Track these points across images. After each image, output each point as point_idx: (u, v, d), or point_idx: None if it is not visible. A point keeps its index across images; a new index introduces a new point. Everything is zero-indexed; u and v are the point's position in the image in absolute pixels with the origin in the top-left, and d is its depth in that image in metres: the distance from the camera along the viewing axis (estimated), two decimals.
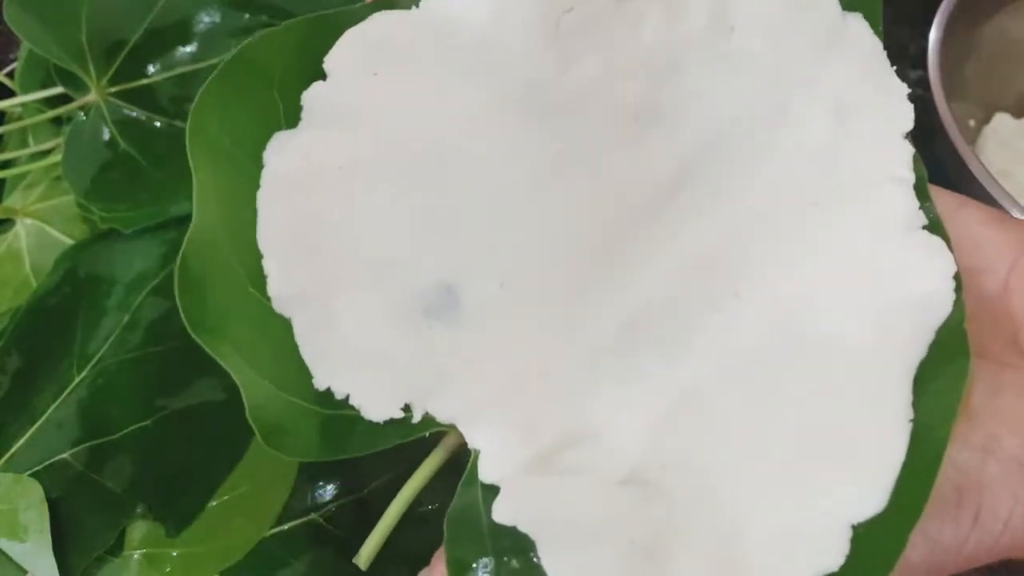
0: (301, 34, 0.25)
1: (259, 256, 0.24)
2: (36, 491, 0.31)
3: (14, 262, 0.38)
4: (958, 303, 0.22)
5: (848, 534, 0.21)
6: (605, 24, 0.25)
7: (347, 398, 0.24)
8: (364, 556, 0.26)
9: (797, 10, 0.25)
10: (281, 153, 0.25)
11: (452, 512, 0.23)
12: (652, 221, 0.24)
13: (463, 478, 0.23)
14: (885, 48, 0.25)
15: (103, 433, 0.32)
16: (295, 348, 0.24)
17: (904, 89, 0.25)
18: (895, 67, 0.25)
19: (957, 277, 0.22)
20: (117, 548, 0.31)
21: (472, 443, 0.23)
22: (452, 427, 0.24)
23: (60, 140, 0.37)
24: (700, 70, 0.25)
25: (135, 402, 0.33)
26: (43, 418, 0.33)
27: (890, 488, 0.21)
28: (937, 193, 0.24)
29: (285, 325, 0.24)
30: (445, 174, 0.25)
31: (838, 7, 0.25)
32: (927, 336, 0.22)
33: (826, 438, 0.22)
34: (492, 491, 0.22)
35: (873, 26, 0.25)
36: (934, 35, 0.44)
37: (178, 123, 0.38)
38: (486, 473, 0.23)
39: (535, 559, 0.21)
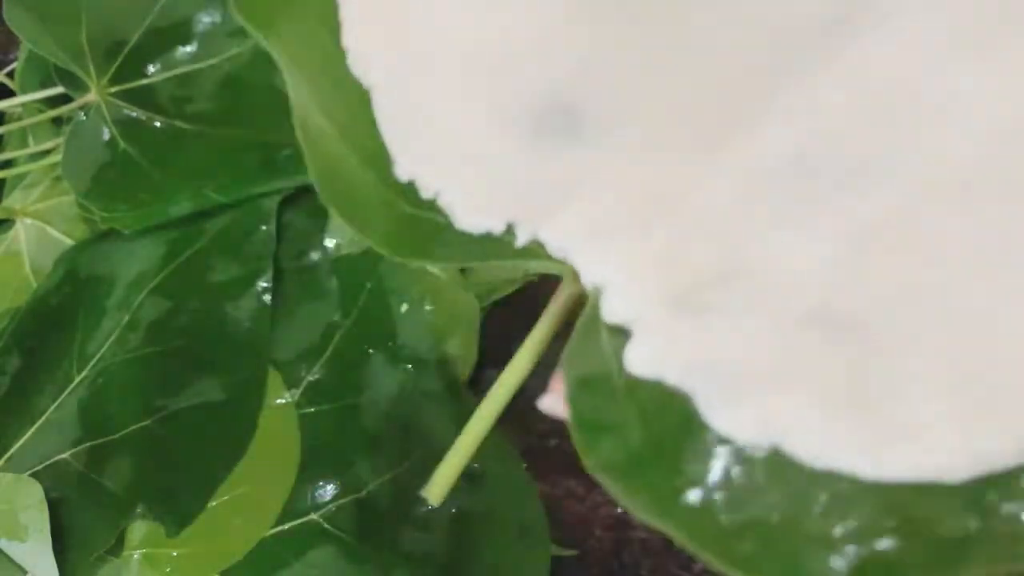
0: None
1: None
2: (36, 491, 0.31)
3: (14, 262, 0.38)
4: None
5: None
6: None
7: (436, 198, 0.20)
8: (436, 489, 0.22)
9: None
10: None
11: (571, 366, 0.19)
12: (830, 35, 0.20)
13: (579, 326, 0.19)
14: None
15: (103, 433, 0.32)
16: (374, 120, 0.20)
17: None
18: None
19: None
20: (117, 548, 0.31)
21: (592, 278, 0.19)
22: (563, 264, 0.19)
23: (60, 140, 0.37)
24: None
25: (135, 402, 0.33)
26: (43, 418, 0.33)
27: None
28: None
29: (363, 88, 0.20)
30: None
31: None
32: None
33: None
34: (622, 337, 0.18)
35: None
36: None
37: (178, 123, 0.38)
38: (612, 311, 0.18)
39: (693, 414, 0.17)
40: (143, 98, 0.38)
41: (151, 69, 0.38)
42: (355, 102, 0.20)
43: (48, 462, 0.32)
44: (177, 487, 0.32)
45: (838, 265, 0.18)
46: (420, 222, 0.20)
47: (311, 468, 0.33)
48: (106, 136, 0.37)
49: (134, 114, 0.37)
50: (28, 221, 0.38)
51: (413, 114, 0.20)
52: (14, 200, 0.39)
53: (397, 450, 0.34)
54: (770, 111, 0.20)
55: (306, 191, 0.38)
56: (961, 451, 0.16)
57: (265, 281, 0.35)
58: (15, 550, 0.30)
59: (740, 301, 0.18)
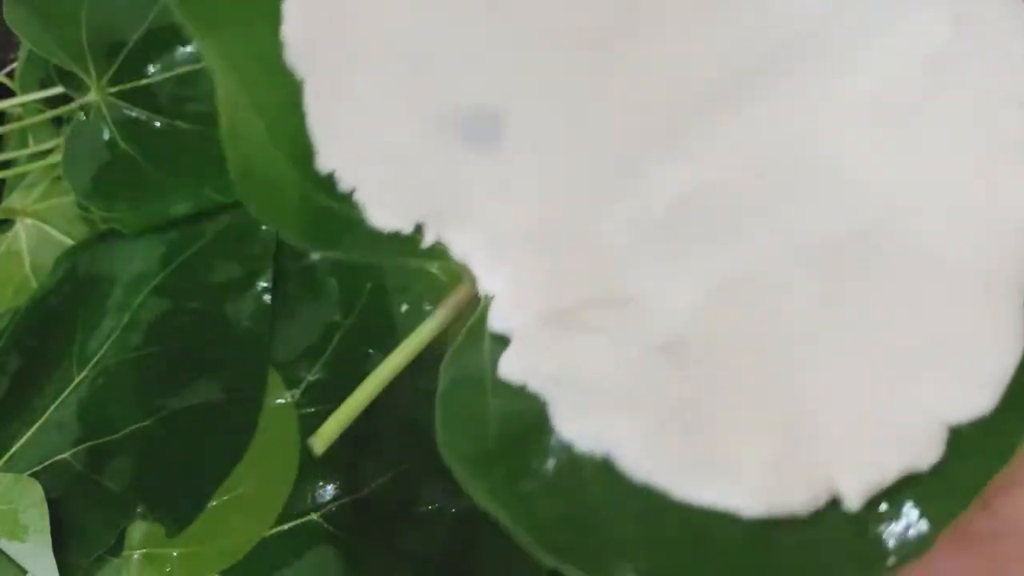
0: None
1: None
2: (36, 491, 0.31)
3: (14, 262, 0.38)
4: None
5: (943, 434, 0.19)
6: None
7: (352, 192, 0.20)
8: (324, 436, 0.24)
9: None
10: None
11: (451, 365, 0.21)
12: (727, 103, 0.22)
13: (466, 328, 0.20)
14: None
15: (103, 433, 0.32)
16: (302, 113, 0.21)
17: None
18: None
19: None
20: (117, 548, 0.31)
21: (485, 286, 0.20)
22: (464, 269, 0.21)
23: (60, 140, 0.37)
24: None
25: (135, 402, 0.33)
26: (43, 418, 0.33)
27: (998, 390, 0.19)
28: None
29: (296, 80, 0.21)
30: (518, 4, 0.22)
31: None
32: None
33: (918, 336, 0.20)
34: (501, 344, 0.20)
35: None
36: None
37: (178, 123, 0.38)
38: (498, 319, 0.20)
39: (544, 418, 0.19)
40: (143, 98, 0.38)
41: (151, 69, 0.38)
42: (286, 95, 0.21)
43: (48, 462, 0.32)
44: (177, 487, 0.32)
45: (699, 308, 0.20)
46: (334, 215, 0.21)
47: (311, 468, 0.33)
48: (106, 136, 0.37)
49: (134, 114, 0.37)
50: (28, 221, 0.38)
51: (340, 107, 0.21)
52: (14, 200, 0.39)
53: (397, 450, 0.34)
54: (668, 155, 0.22)
55: None
56: (759, 492, 0.18)
57: (265, 281, 0.35)
58: (15, 550, 0.30)
59: (610, 325, 0.20)
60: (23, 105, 0.40)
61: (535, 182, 0.21)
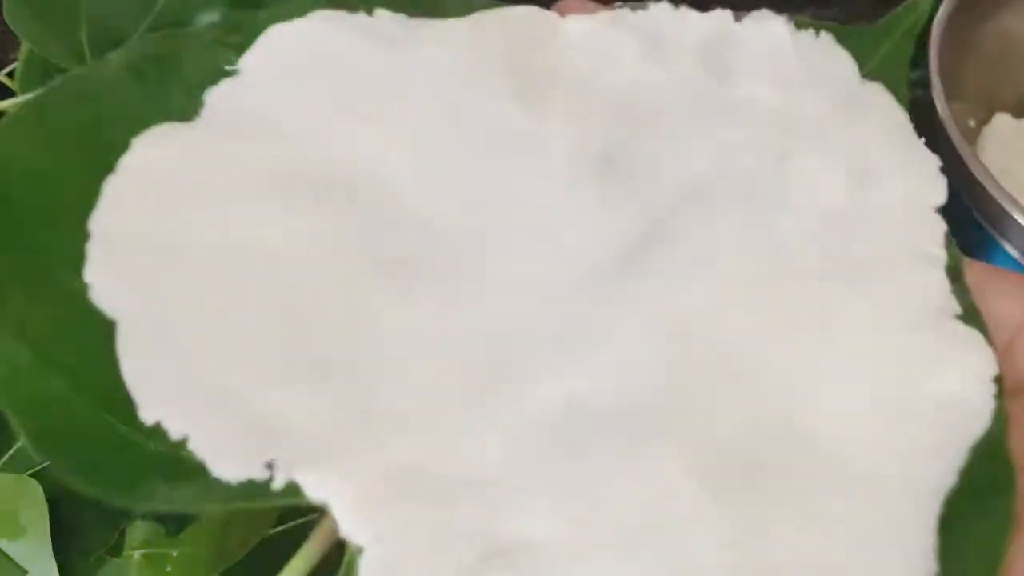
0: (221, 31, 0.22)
1: (82, 235, 0.19)
2: (36, 491, 0.31)
3: None
4: (999, 414, 0.18)
5: None
6: (570, 63, 0.22)
7: (185, 441, 0.18)
8: None
9: (810, 66, 0.22)
10: (159, 145, 0.20)
11: None
12: (614, 290, 0.20)
13: None
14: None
15: None
16: (112, 355, 0.18)
17: (935, 161, 0.21)
18: None
19: (998, 380, 0.18)
20: (117, 548, 0.31)
21: (352, 537, 0.17)
22: (325, 510, 0.18)
23: None
24: (685, 116, 0.21)
25: None
26: None
27: None
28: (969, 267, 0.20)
29: (101, 323, 0.18)
30: (370, 201, 0.20)
31: (856, 73, 0.22)
32: (958, 455, 0.18)
33: (830, 553, 0.17)
34: None
35: (898, 99, 0.22)
36: (934, 35, 0.44)
37: None
38: None
39: None
40: None
41: None
42: (93, 344, 0.18)
43: (48, 462, 0.32)
44: None
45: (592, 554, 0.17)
46: (163, 460, 0.18)
47: None
48: None
49: None
50: None
51: (161, 350, 0.18)
52: None
53: None
54: (545, 372, 0.19)
55: None
56: None
57: None
58: (15, 550, 0.30)
59: None
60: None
61: (394, 412, 0.19)
